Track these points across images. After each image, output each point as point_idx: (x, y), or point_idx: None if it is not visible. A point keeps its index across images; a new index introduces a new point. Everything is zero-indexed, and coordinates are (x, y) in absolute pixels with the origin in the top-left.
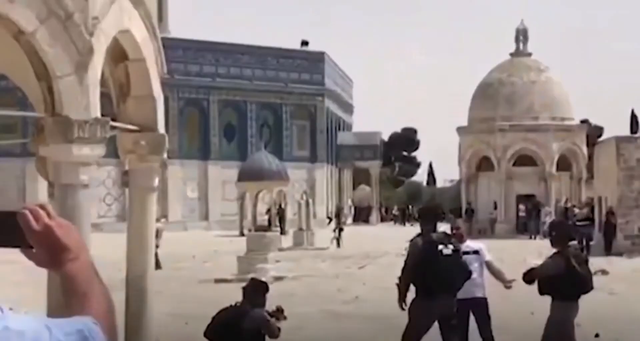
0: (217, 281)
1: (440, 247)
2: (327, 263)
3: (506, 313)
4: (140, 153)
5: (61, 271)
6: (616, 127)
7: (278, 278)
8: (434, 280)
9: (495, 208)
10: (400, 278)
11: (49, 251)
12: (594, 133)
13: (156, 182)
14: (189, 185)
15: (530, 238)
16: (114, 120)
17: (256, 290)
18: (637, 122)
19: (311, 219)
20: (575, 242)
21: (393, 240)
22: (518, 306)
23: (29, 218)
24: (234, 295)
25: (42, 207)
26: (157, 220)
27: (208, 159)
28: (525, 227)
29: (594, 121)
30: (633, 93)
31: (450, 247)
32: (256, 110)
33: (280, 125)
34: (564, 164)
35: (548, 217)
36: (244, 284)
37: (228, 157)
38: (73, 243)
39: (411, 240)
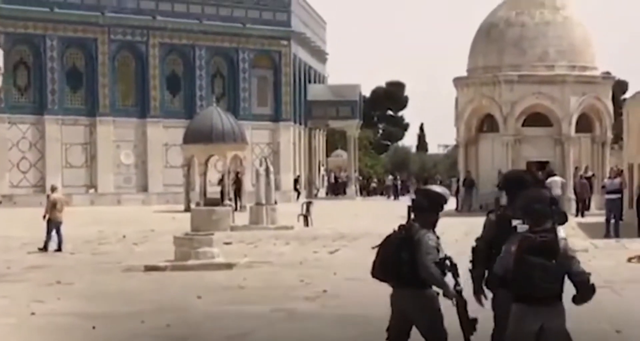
0: (148, 269)
1: (516, 222)
2: (290, 246)
3: None
4: None
5: None
6: None
7: (226, 266)
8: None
9: None
10: (472, 266)
11: None
12: (616, 89)
13: None
14: (123, 148)
15: None
16: None
17: (428, 203)
18: None
19: (272, 191)
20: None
21: (375, 218)
22: None
23: None
24: (164, 287)
25: None
26: (53, 189)
27: (147, 117)
28: None
29: (615, 75)
30: None
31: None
32: (206, 56)
33: (236, 76)
34: (584, 124)
35: (560, 189)
36: (179, 273)
37: (172, 114)
38: None
39: (487, 215)
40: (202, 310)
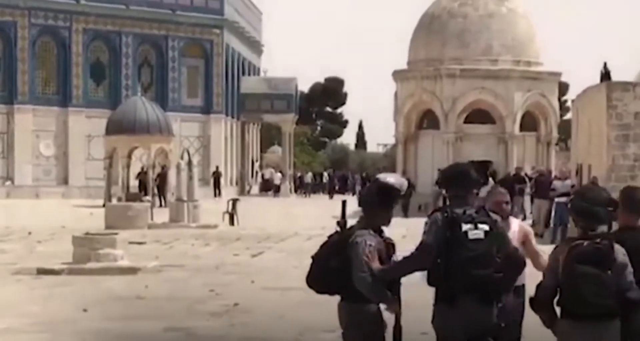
0: (40, 272)
1: (466, 227)
2: (210, 248)
3: None
4: None
5: None
6: (583, 83)
7: (129, 270)
8: (453, 275)
9: None
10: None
11: None
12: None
13: None
14: (43, 139)
15: None
16: None
17: (377, 196)
18: (609, 79)
19: (194, 186)
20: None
21: (307, 218)
22: None
23: None
24: (51, 296)
25: None
26: None
27: (69, 106)
28: None
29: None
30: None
31: (483, 227)
32: (133, 44)
33: (164, 65)
34: (529, 122)
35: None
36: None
37: (95, 103)
38: None
39: (429, 215)
40: (81, 327)
